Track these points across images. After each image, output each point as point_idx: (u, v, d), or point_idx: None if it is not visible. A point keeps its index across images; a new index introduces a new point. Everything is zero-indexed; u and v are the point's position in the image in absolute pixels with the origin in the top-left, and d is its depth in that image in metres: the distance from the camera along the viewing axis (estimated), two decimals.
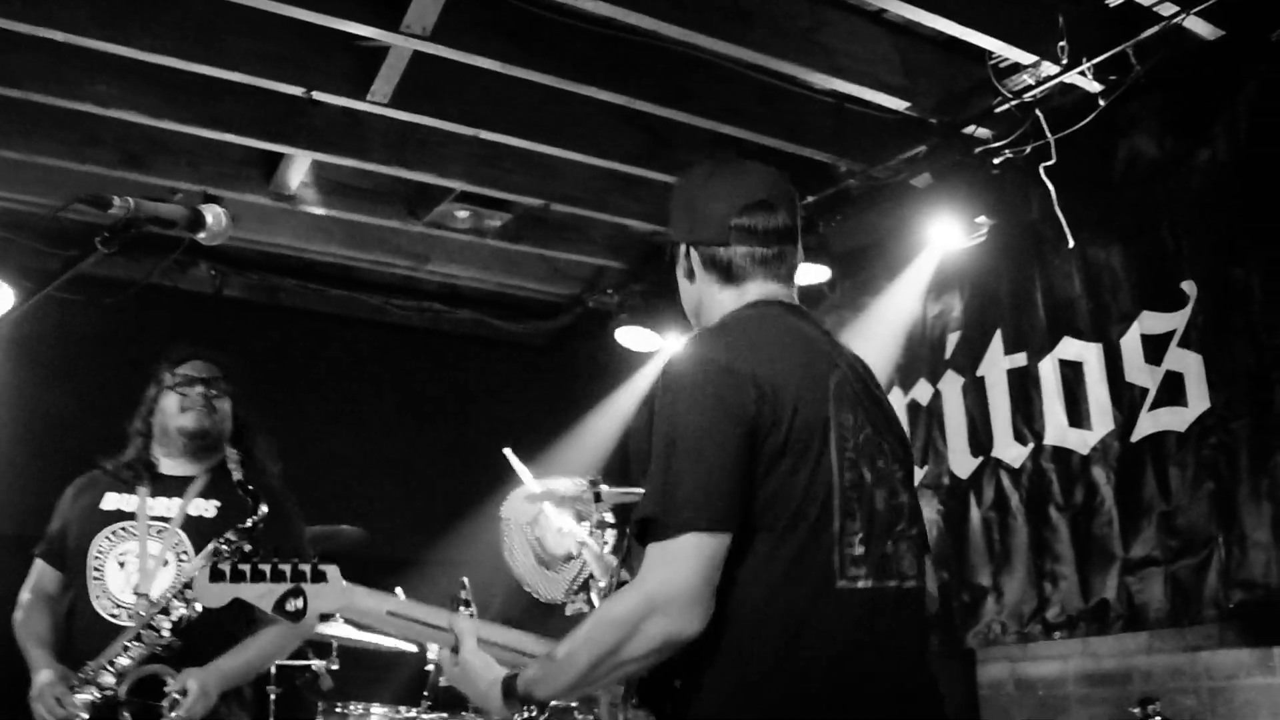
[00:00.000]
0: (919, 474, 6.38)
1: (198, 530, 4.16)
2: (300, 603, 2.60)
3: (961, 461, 6.19)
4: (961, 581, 6.12)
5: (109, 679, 3.88)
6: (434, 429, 8.21)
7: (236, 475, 4.04)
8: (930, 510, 6.31)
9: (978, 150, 5.81)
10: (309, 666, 6.09)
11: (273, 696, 6.06)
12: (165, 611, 3.95)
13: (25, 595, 4.21)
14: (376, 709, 5.93)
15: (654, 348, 7.31)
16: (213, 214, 2.72)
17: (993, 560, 6.00)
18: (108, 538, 4.13)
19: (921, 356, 6.50)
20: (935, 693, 2.43)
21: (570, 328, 8.58)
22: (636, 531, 2.30)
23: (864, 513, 2.35)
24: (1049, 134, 5.52)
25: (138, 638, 3.92)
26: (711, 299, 2.62)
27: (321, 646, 6.14)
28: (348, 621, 5.50)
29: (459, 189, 6.54)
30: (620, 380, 7.80)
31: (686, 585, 2.21)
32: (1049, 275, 5.92)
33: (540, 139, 6.02)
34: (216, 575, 2.61)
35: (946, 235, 6.00)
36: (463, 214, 6.78)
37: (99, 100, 5.49)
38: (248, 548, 4.03)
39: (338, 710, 5.88)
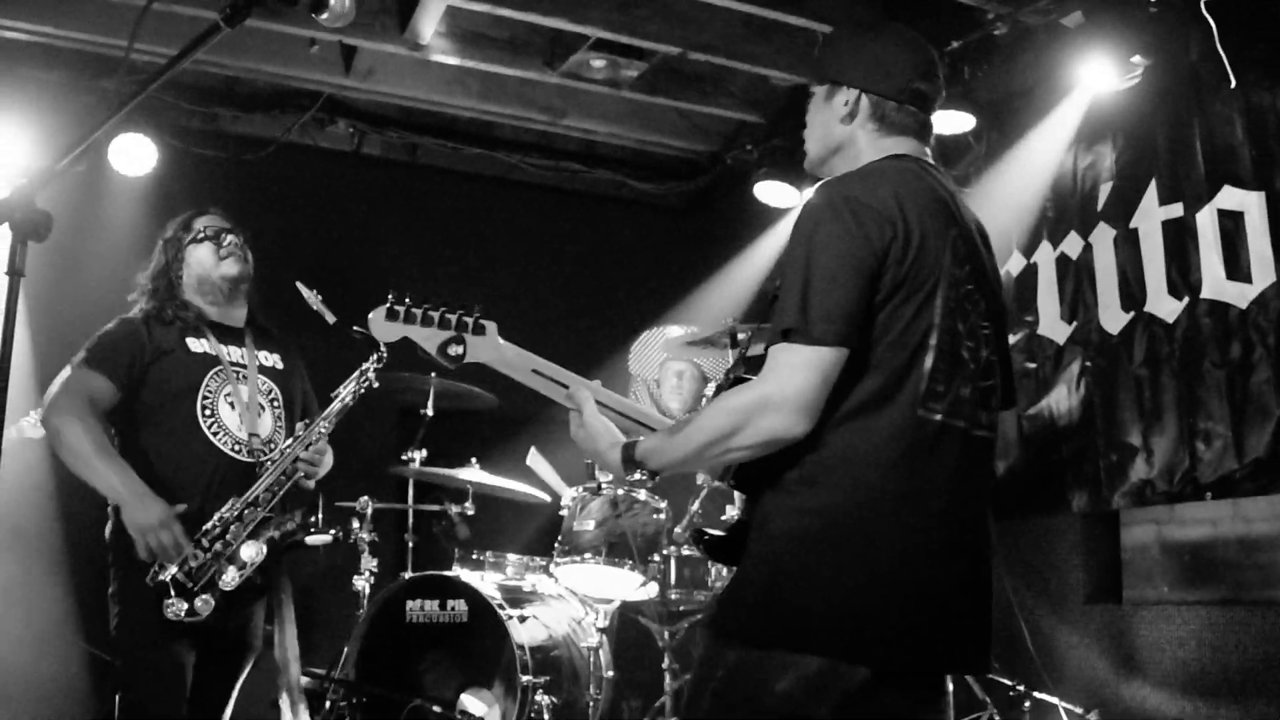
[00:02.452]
0: (1067, 329, 6.17)
1: (274, 379, 4.50)
2: (460, 349, 2.90)
3: (1112, 317, 5.95)
4: (1110, 440, 5.92)
5: (262, 514, 4.16)
6: (570, 290, 8.20)
7: (326, 314, 4.34)
8: (1077, 367, 6.10)
9: None
10: (445, 513, 6.18)
11: (410, 544, 6.18)
12: (307, 446, 4.29)
13: (73, 401, 4.13)
14: (511, 556, 6.02)
15: (794, 204, 7.15)
16: None
17: (1143, 418, 5.78)
18: (214, 377, 4.30)
19: (1071, 208, 6.24)
20: (988, 539, 2.69)
21: (709, 188, 8.45)
22: (771, 341, 2.53)
23: (950, 356, 2.60)
24: None
25: (284, 474, 4.21)
26: (860, 145, 2.83)
27: (457, 493, 6.23)
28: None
29: (595, 36, 6.42)
30: (759, 236, 7.67)
31: (802, 390, 2.47)
32: (1209, 120, 5.58)
33: None
34: (391, 314, 2.92)
35: (1098, 78, 5.72)
36: (599, 63, 6.68)
37: None
38: (375, 386, 4.45)
39: (474, 557, 5.98)
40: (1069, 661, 6.05)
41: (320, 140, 7.65)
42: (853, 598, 2.48)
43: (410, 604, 5.53)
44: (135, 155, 6.62)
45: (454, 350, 2.87)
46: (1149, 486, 5.73)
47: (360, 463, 6.83)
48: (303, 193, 7.56)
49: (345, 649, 5.62)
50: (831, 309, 2.47)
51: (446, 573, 5.72)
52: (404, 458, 6.15)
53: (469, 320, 2.92)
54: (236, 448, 4.26)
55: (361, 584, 5.82)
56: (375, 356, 4.37)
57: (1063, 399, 6.18)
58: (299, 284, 4.39)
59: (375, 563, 5.88)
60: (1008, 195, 6.43)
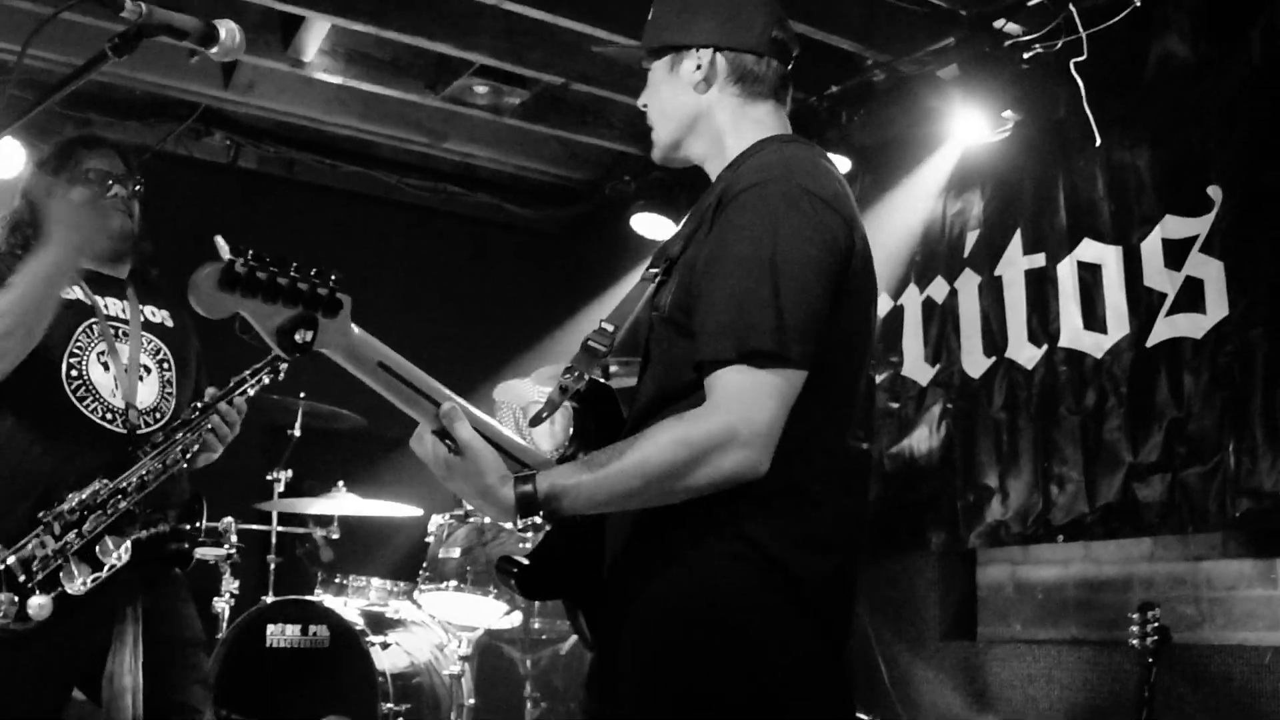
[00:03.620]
0: (931, 371, 6.33)
1: (163, 338, 3.72)
2: (309, 335, 2.09)
3: (974, 361, 6.12)
4: (967, 481, 6.08)
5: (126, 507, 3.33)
6: (444, 311, 8.18)
7: None
8: (939, 408, 6.26)
9: (1007, 43, 5.68)
10: (309, 536, 6.12)
11: (272, 566, 6.11)
12: (193, 428, 3.49)
13: None
14: (375, 581, 5.98)
15: (669, 236, 7.22)
16: (226, 29, 2.60)
17: (1000, 461, 5.96)
18: (85, 332, 3.52)
19: (939, 254, 6.41)
20: None
21: (586, 216, 8.50)
22: (712, 359, 2.12)
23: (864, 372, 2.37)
24: (1081, 29, 5.39)
25: (164, 463, 3.41)
26: (724, 117, 2.44)
27: (322, 518, 6.16)
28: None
29: (479, 63, 6.43)
30: (634, 267, 7.73)
31: (772, 421, 2.08)
32: (1072, 175, 5.80)
33: (563, 13, 5.90)
34: (228, 281, 1.99)
35: (970, 129, 5.89)
36: (482, 89, 6.69)
37: None
38: (281, 378, 3.73)
39: (336, 581, 5.93)
40: (924, 697, 6.19)
41: (195, 151, 7.54)
42: (802, 665, 2.19)
43: (271, 628, 5.46)
44: (3, 156, 6.45)
45: (301, 336, 2.08)
46: (1004, 527, 5.89)
47: (224, 482, 6.75)
48: (176, 203, 7.38)
49: None
50: (807, 326, 2.11)
51: (309, 597, 5.66)
52: (269, 478, 6.08)
53: (323, 293, 2.11)
54: (109, 417, 3.47)
55: (222, 605, 5.73)
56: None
57: (924, 439, 6.33)
58: (219, 238, 3.73)
59: (236, 584, 5.79)
60: (879, 238, 6.48)
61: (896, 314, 6.55)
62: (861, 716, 5.79)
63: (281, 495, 6.06)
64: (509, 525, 2.18)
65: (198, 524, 3.50)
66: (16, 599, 3.13)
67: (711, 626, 2.16)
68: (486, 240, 8.56)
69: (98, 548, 3.27)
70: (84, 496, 3.26)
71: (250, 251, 2.00)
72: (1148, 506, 5.33)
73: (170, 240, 7.10)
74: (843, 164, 6.44)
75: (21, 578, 3.15)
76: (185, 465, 3.52)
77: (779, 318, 2.09)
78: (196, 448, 3.52)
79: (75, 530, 3.24)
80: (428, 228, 8.34)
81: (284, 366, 3.71)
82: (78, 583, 3.22)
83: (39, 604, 3.14)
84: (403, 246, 8.19)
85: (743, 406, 2.07)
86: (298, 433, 6.18)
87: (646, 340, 2.39)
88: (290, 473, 6.10)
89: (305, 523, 6.21)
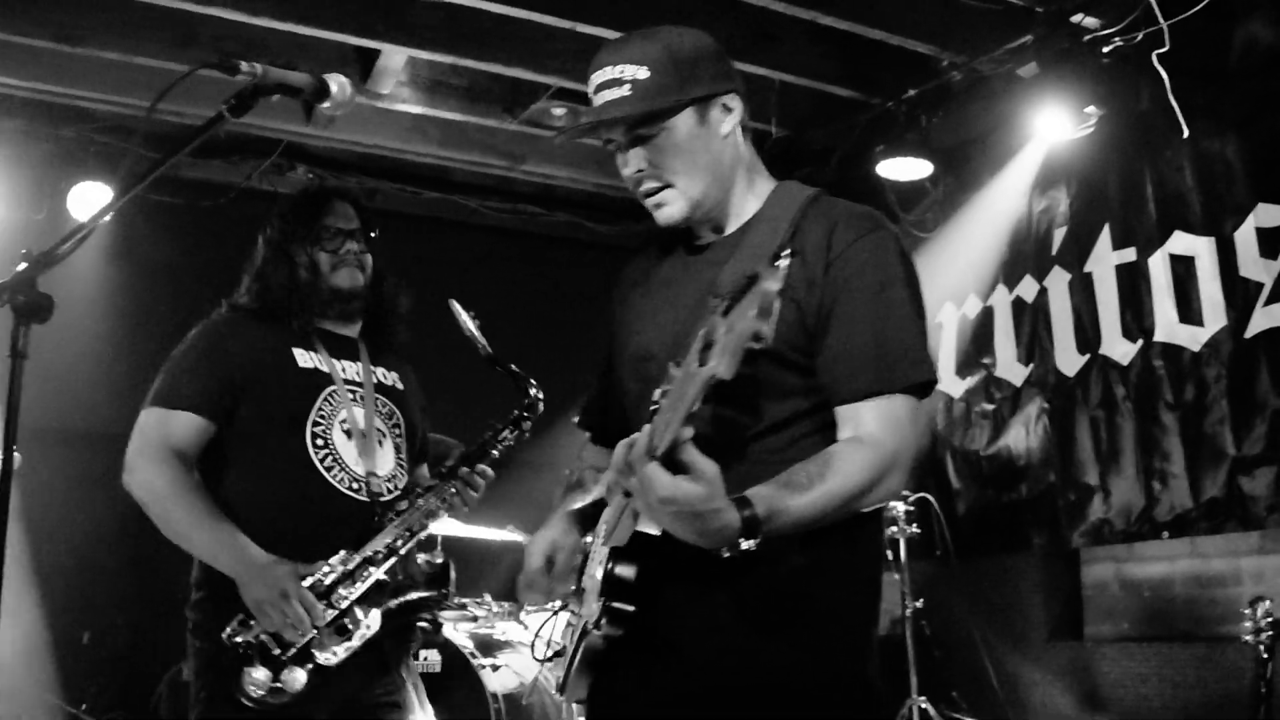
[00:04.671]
0: (1024, 371, 6.30)
1: (395, 400, 3.64)
2: None
3: (1068, 359, 6.08)
4: (1067, 480, 6.04)
5: (378, 577, 3.22)
6: (527, 331, 8.23)
7: (480, 341, 3.65)
8: (1035, 409, 6.23)
9: (1086, 38, 5.64)
10: (413, 561, 6.17)
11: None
12: (437, 494, 3.42)
13: (151, 453, 3.26)
14: (482, 603, 6.03)
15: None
16: (337, 83, 2.61)
17: (1100, 459, 5.91)
18: (327, 400, 3.44)
19: (1027, 253, 6.38)
20: None
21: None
22: (876, 390, 2.23)
23: None
24: (1162, 20, 5.34)
25: (409, 529, 3.34)
26: (749, 163, 2.47)
27: (426, 542, 6.21)
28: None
29: (555, 85, 6.48)
30: None
31: (919, 446, 2.34)
32: (1159, 168, 5.75)
33: None
34: None
35: (1053, 128, 5.85)
36: (558, 111, 6.74)
37: None
38: (527, 436, 3.67)
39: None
40: (1033, 698, 6.15)
41: (279, 186, 7.63)
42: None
43: None
44: (94, 202, 6.60)
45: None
46: (1107, 525, 5.84)
47: None
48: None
49: None
50: (931, 360, 2.33)
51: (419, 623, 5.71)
52: None
53: None
54: (355, 486, 3.37)
55: None
56: (530, 403, 3.70)
57: (1021, 439, 6.29)
58: (454, 303, 3.70)
59: None
60: (964, 240, 6.56)
61: (986, 315, 6.52)
62: (969, 718, 5.77)
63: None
64: (725, 552, 2.05)
65: (445, 589, 3.44)
66: (270, 673, 3.07)
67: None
68: (568, 258, 8.60)
69: (348, 619, 3.17)
70: (333, 565, 3.19)
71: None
72: (1254, 499, 5.26)
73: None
74: (923, 167, 6.44)
75: (276, 651, 3.09)
76: (427, 530, 3.40)
77: (928, 353, 2.28)
78: (442, 513, 3.44)
79: (325, 601, 3.15)
80: (509, 249, 8.39)
81: (528, 425, 3.67)
82: (327, 654, 3.12)
83: (294, 678, 3.07)
84: (485, 269, 8.24)
85: (902, 435, 2.22)
86: None
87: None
88: None
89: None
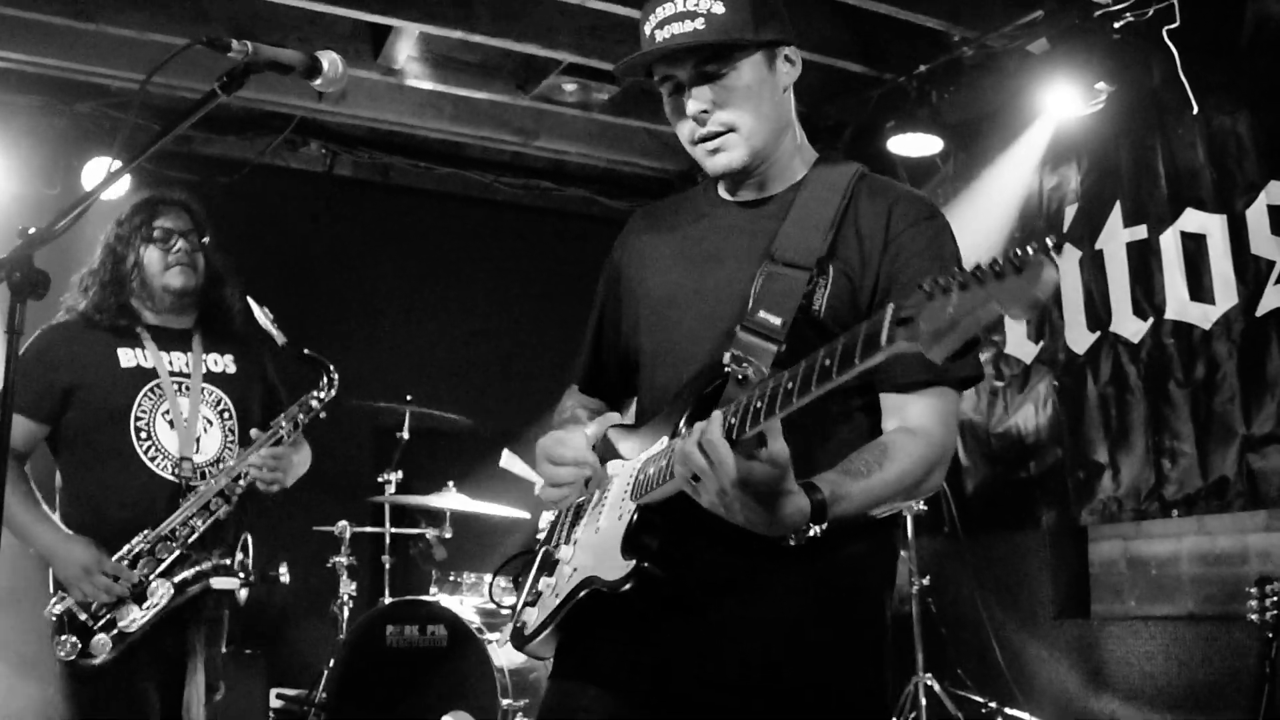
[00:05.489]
0: (1034, 349, 6.28)
1: (225, 387, 3.94)
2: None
3: (1078, 337, 6.06)
4: (1076, 458, 6.02)
5: (179, 551, 3.63)
6: (539, 306, 8.25)
7: (276, 335, 3.87)
8: (1045, 386, 6.21)
9: (1097, 14, 5.59)
10: (423, 536, 6.23)
11: (387, 567, 6.22)
12: (237, 479, 3.74)
13: None
14: (489, 578, 6.06)
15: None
16: (329, 60, 2.63)
17: (1109, 437, 5.89)
18: (148, 395, 3.77)
19: (1037, 230, 6.34)
20: None
21: None
22: (935, 377, 2.20)
23: None
24: None
25: (207, 506, 3.68)
26: (796, 121, 2.43)
27: (434, 516, 6.27)
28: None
29: (566, 61, 6.47)
30: None
31: (956, 439, 2.29)
32: (1171, 144, 5.70)
33: None
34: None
35: (1063, 104, 5.82)
36: (570, 87, 6.74)
37: None
38: (323, 415, 3.93)
39: (451, 579, 6.02)
40: (1039, 676, 6.15)
41: (292, 162, 7.68)
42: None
43: (390, 629, 5.56)
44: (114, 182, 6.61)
45: None
46: (1116, 503, 5.83)
47: (337, 486, 6.88)
48: (276, 214, 7.59)
49: (324, 673, 5.65)
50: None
51: (425, 597, 5.76)
52: (380, 480, 6.19)
53: None
54: (175, 472, 3.74)
55: (340, 608, 5.86)
56: (324, 384, 3.95)
57: (1030, 417, 6.28)
58: (250, 300, 3.95)
59: (354, 586, 5.92)
60: (975, 216, 6.53)
61: None
62: (975, 698, 5.78)
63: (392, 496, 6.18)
64: (790, 539, 2.02)
65: (230, 559, 3.69)
66: (77, 640, 3.52)
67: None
68: (580, 234, 8.60)
69: (147, 588, 3.60)
70: (132, 545, 3.61)
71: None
72: (1264, 478, 5.24)
73: (273, 250, 7.34)
74: (934, 143, 6.42)
75: (83, 617, 3.55)
76: (229, 507, 3.73)
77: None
78: (239, 490, 3.74)
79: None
80: (521, 225, 8.41)
81: (318, 406, 3.93)
82: (127, 621, 3.56)
83: (99, 642, 3.52)
84: (498, 244, 8.28)
85: (950, 428, 2.24)
86: (406, 435, 6.29)
87: (790, 338, 2.24)
88: (400, 474, 6.22)
89: (418, 523, 6.32)
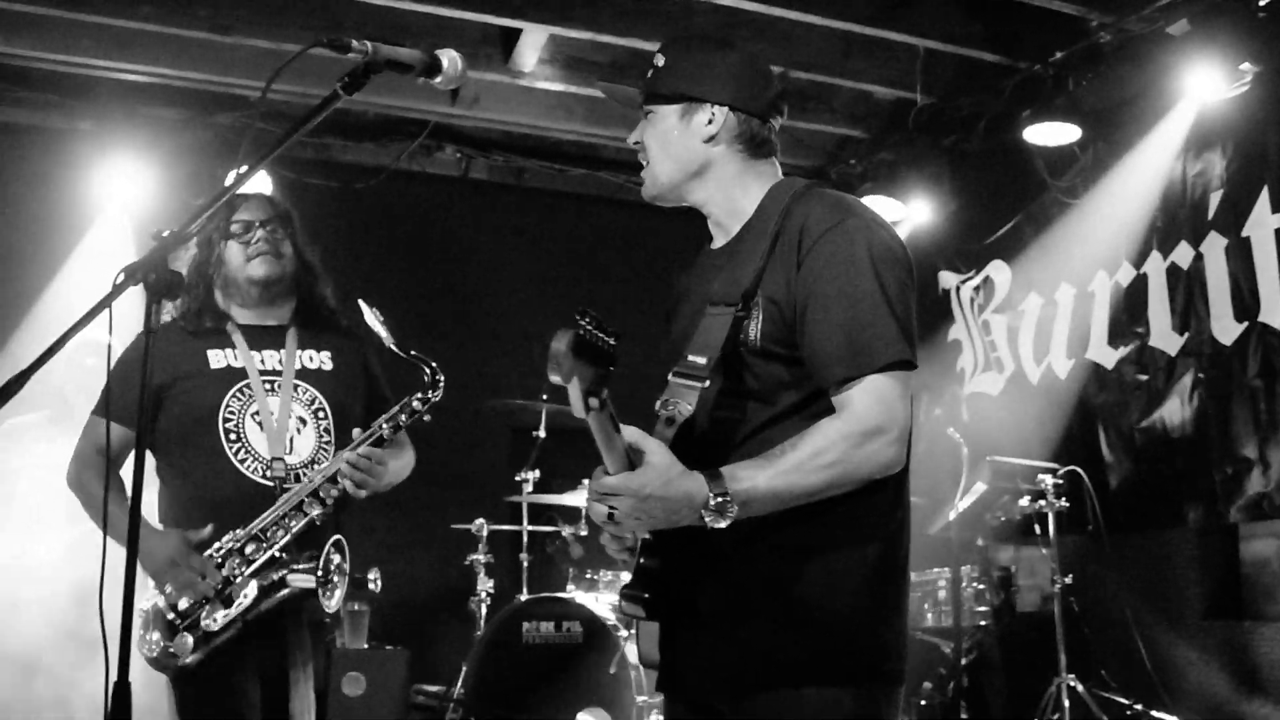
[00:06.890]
0: (1179, 341, 6.10)
1: (319, 385, 3.79)
2: (606, 392, 2.14)
3: (1225, 327, 5.87)
4: (1224, 453, 5.84)
5: (272, 553, 3.48)
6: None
7: (384, 335, 3.61)
8: (1190, 379, 6.03)
9: None
10: (559, 534, 6.28)
11: (525, 564, 6.29)
12: (333, 480, 3.55)
13: (82, 456, 3.71)
14: (626, 575, 6.08)
15: (898, 217, 7.13)
16: (448, 58, 2.66)
17: (1259, 431, 5.70)
18: (236, 396, 3.68)
19: (1181, 218, 6.16)
20: None
21: None
22: (850, 375, 2.34)
23: None
24: None
25: (299, 506, 3.53)
26: (731, 168, 2.63)
27: (570, 514, 6.33)
28: None
29: None
30: None
31: (909, 418, 2.37)
32: None
33: (776, 3, 5.90)
34: (580, 347, 2.02)
35: (1206, 86, 5.67)
36: None
37: None
38: (427, 419, 3.67)
39: (588, 577, 6.07)
40: (1187, 678, 5.96)
41: (428, 167, 7.81)
42: (897, 619, 2.45)
43: (526, 625, 5.64)
44: (251, 186, 6.77)
45: (601, 395, 2.10)
46: (1266, 500, 5.64)
47: (474, 485, 7.00)
48: (414, 218, 7.75)
49: (462, 669, 5.73)
50: (912, 332, 2.40)
51: (561, 594, 5.82)
52: (517, 479, 6.27)
53: (614, 346, 2.10)
54: (266, 473, 3.64)
55: (478, 605, 5.94)
56: (428, 386, 3.66)
57: (1175, 411, 6.10)
58: (361, 301, 3.69)
59: (491, 584, 6.00)
60: (1116, 206, 6.37)
61: (1140, 283, 6.33)
62: (1120, 699, 5.63)
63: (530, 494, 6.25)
64: (709, 523, 2.23)
65: (316, 562, 3.45)
66: (159, 637, 3.48)
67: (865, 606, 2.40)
68: None
69: (233, 589, 3.47)
70: (223, 544, 3.50)
71: (588, 314, 2.06)
72: None
73: (411, 253, 7.48)
74: (1072, 132, 6.29)
75: (170, 616, 3.49)
76: (324, 509, 3.54)
77: (903, 332, 2.36)
78: (335, 492, 3.54)
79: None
80: (656, 224, 8.40)
81: (425, 409, 3.65)
82: (209, 620, 3.45)
83: (183, 642, 3.44)
84: (632, 243, 8.30)
85: (888, 408, 2.33)
86: (542, 434, 6.36)
87: (724, 371, 2.48)
88: (537, 473, 6.29)
89: (554, 521, 6.38)
